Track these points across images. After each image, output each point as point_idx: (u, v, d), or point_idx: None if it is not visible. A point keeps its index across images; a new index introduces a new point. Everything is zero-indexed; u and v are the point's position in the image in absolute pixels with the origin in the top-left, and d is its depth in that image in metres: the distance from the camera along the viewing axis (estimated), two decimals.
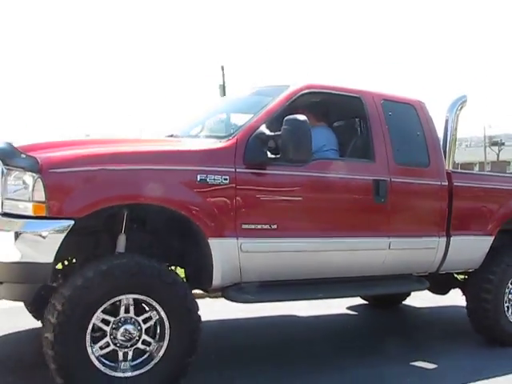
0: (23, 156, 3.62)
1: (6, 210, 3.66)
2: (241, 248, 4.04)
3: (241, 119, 4.65)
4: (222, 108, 5.67)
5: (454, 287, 5.96)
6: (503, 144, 61.86)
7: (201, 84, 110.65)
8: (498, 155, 59.71)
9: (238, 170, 4.05)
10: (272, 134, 4.12)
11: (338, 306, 6.70)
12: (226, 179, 3.99)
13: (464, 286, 5.71)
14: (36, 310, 5.26)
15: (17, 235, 3.51)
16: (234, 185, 4.02)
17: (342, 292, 4.83)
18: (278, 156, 4.11)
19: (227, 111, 5.40)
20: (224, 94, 35.88)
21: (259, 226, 4.14)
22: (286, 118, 4.07)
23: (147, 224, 4.16)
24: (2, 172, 3.71)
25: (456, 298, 6.12)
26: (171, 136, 4.76)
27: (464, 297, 5.65)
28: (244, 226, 4.06)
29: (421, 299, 7.00)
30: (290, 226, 4.29)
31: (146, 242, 4.17)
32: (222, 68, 35.63)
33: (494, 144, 61.04)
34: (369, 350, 5.22)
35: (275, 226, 4.19)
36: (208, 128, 5.12)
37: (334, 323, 6.40)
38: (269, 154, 4.14)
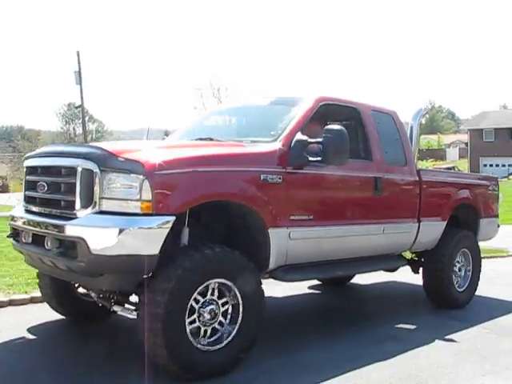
0: (122, 159, 4.03)
1: (106, 209, 4.04)
2: (289, 236, 4.78)
3: (268, 125, 5.34)
4: (243, 113, 6.25)
5: (403, 265, 7.11)
6: None
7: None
8: None
9: (287, 170, 4.77)
10: (313, 140, 4.86)
11: (302, 287, 7.61)
12: (279, 178, 4.70)
13: (416, 264, 6.92)
14: (61, 305, 5.57)
15: (121, 231, 3.88)
16: (285, 183, 4.73)
17: (358, 269, 5.90)
18: (319, 158, 4.85)
19: (252, 117, 6.03)
20: (80, 81, 34.98)
21: (302, 217, 4.91)
22: (326, 128, 4.87)
23: (204, 218, 4.69)
24: (96, 174, 4.07)
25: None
26: (211, 139, 5.27)
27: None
28: (292, 218, 4.80)
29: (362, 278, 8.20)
30: (325, 216, 5.14)
31: (206, 234, 4.72)
32: (78, 54, 34.71)
33: None
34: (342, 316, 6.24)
35: (313, 217, 4.99)
36: (241, 133, 5.70)
37: (302, 301, 7.29)
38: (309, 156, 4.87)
